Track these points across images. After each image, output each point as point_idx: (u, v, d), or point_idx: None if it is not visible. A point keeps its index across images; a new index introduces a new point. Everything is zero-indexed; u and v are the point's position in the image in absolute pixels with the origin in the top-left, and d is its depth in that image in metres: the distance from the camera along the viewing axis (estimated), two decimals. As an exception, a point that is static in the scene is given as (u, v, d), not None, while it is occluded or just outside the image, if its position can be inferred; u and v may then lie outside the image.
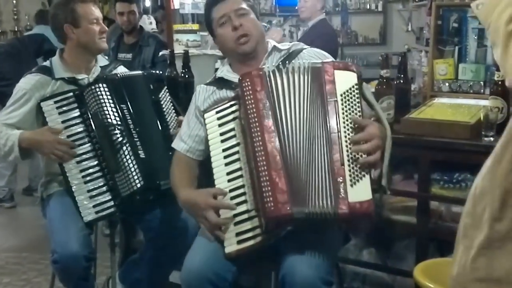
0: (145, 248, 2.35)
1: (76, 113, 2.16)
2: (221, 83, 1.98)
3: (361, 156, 1.63)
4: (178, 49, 3.21)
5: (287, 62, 1.84)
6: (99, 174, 2.15)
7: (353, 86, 1.70)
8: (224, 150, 1.80)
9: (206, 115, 1.85)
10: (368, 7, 7.36)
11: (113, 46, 4.11)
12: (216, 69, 2.94)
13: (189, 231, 2.21)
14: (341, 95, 1.69)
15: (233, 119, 1.80)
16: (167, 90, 2.33)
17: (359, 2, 7.37)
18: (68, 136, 2.15)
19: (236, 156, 1.77)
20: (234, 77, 1.92)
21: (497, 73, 2.11)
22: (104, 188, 2.14)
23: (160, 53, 3.68)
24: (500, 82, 2.09)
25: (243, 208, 1.73)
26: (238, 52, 1.92)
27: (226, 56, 2.07)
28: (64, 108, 2.16)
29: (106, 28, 2.35)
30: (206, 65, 3.11)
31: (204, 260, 1.74)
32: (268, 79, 1.73)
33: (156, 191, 2.14)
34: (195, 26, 3.54)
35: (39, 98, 2.19)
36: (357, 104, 1.68)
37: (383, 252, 2.46)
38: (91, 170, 2.15)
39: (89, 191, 2.13)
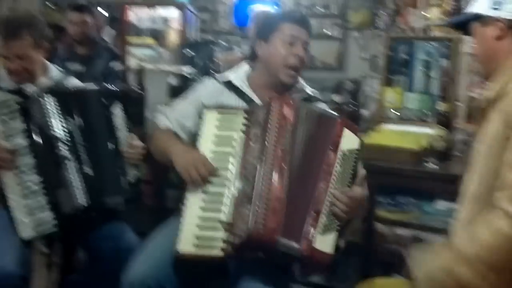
0: (85, 268, 2.31)
1: (19, 124, 2.09)
2: (231, 86, 1.99)
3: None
4: (132, 63, 3.24)
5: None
6: (39, 188, 2.07)
7: (354, 150, 1.77)
8: (213, 152, 1.80)
9: (207, 111, 1.84)
10: (327, 32, 7.58)
11: (62, 56, 4.00)
12: (171, 85, 3.00)
13: (133, 253, 2.21)
14: (342, 151, 1.74)
15: (237, 129, 1.79)
16: (119, 105, 2.29)
17: (318, 27, 7.59)
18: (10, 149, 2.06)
19: (224, 164, 1.77)
20: (248, 91, 1.96)
21: (441, 103, 2.27)
22: (45, 204, 2.06)
23: (111, 64, 3.64)
24: (444, 113, 2.25)
25: (214, 215, 1.73)
26: (279, 76, 1.93)
27: (259, 66, 2.03)
28: (5, 117, 2.09)
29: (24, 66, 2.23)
30: (159, 80, 3.14)
31: (149, 266, 1.74)
32: (295, 109, 1.76)
33: (100, 209, 2.12)
34: (151, 41, 3.58)
35: None
36: (351, 168, 1.75)
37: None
38: (31, 184, 2.07)
39: (28, 206, 2.05)
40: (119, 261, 2.14)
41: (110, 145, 2.21)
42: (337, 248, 1.72)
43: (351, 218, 1.76)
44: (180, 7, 3.66)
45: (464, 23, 1.62)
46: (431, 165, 2.14)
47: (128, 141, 2.18)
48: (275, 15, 2.07)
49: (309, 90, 2.04)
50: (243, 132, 1.77)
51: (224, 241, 1.68)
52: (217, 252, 1.69)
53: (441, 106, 2.27)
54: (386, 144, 2.23)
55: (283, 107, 1.75)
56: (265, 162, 1.68)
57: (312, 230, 1.65)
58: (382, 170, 2.17)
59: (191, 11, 3.85)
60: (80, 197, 2.05)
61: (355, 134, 1.79)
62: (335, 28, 7.50)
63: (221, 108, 1.86)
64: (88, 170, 2.10)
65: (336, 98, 2.39)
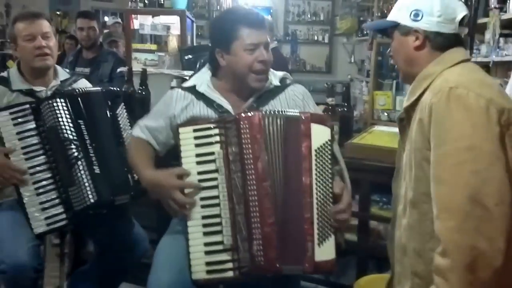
0: (95, 260, 2.29)
1: (32, 125, 2.07)
2: (199, 95, 1.87)
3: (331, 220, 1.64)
4: (136, 67, 3.20)
5: (270, 98, 1.84)
6: (52, 186, 2.05)
7: (326, 142, 1.67)
8: (199, 173, 1.69)
9: (181, 130, 1.73)
10: (316, 38, 7.61)
11: (71, 60, 4.05)
12: (172, 88, 2.96)
13: (139, 246, 2.18)
14: (316, 150, 1.65)
15: (214, 143, 1.69)
16: (124, 106, 2.27)
17: (308, 34, 7.61)
18: (22, 148, 2.05)
19: (213, 183, 1.68)
20: (216, 97, 1.85)
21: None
22: (57, 201, 2.05)
23: (118, 70, 3.65)
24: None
25: (217, 238, 1.66)
26: (248, 83, 1.81)
27: (223, 74, 1.89)
28: (20, 120, 2.06)
29: (45, 44, 2.19)
30: (162, 83, 3.11)
31: (170, 282, 1.66)
32: (263, 124, 1.66)
33: (109, 206, 2.09)
34: (153, 46, 3.55)
35: None
36: (329, 161, 1.66)
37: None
38: (44, 183, 2.05)
39: (41, 203, 2.04)
40: (126, 253, 2.17)
41: (116, 145, 2.18)
42: (339, 246, 1.68)
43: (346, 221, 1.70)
44: (180, 14, 3.62)
45: (384, 27, 1.61)
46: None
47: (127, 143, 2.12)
48: (230, 22, 1.82)
49: (276, 80, 1.91)
50: (221, 147, 1.68)
51: (230, 262, 1.64)
52: (230, 274, 1.65)
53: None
54: (378, 145, 2.21)
55: (251, 124, 1.65)
56: (249, 184, 1.62)
57: (310, 245, 1.61)
58: (376, 170, 2.15)
59: (189, 18, 3.81)
60: (90, 195, 2.02)
61: (324, 124, 1.69)
62: (324, 34, 7.53)
63: (194, 122, 1.76)
64: (96, 169, 2.07)
65: (331, 101, 2.33)
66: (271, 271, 1.62)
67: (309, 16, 7.64)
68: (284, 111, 1.72)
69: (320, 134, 1.67)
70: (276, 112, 1.71)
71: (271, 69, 1.91)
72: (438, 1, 1.45)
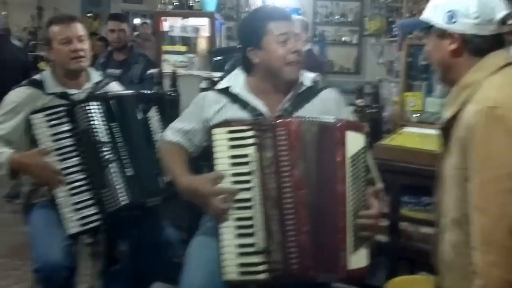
0: (127, 259, 2.31)
1: (66, 127, 2.09)
2: (232, 97, 1.86)
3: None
4: (166, 69, 3.25)
5: (304, 102, 1.83)
6: (85, 188, 2.07)
7: (361, 149, 1.65)
8: (234, 175, 1.68)
9: (215, 131, 1.71)
10: (344, 39, 7.57)
11: (103, 62, 4.11)
12: (202, 89, 2.99)
13: (171, 246, 2.20)
14: (350, 158, 1.63)
15: (249, 145, 1.67)
16: (155, 109, 2.29)
17: (336, 35, 7.58)
18: (57, 149, 2.08)
19: (246, 185, 1.66)
20: (250, 98, 1.84)
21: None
22: (90, 202, 2.06)
23: (148, 72, 3.70)
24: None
25: (249, 240, 1.65)
26: (283, 75, 1.81)
27: (257, 72, 1.87)
28: (54, 122, 2.09)
29: (80, 47, 2.24)
30: (192, 84, 3.14)
31: (203, 283, 1.67)
32: (300, 131, 1.64)
33: (140, 208, 2.12)
34: (183, 48, 3.59)
35: (29, 111, 2.12)
36: (363, 169, 1.64)
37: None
38: (77, 184, 2.07)
39: (74, 204, 2.05)
40: (157, 253, 2.18)
41: (148, 147, 2.19)
42: (371, 253, 1.66)
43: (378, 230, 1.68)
44: (209, 16, 3.65)
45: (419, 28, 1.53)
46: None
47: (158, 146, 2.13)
48: (257, 19, 1.84)
49: (308, 81, 1.90)
50: (255, 150, 1.66)
51: (263, 264, 1.63)
52: (262, 276, 1.64)
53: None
54: (408, 146, 2.19)
55: (289, 130, 1.63)
56: (284, 191, 1.61)
57: (343, 254, 1.60)
58: (406, 171, 2.13)
59: (218, 20, 3.84)
60: (122, 197, 2.05)
61: (358, 131, 1.67)
62: (352, 35, 7.48)
63: (228, 123, 1.75)
64: (128, 171, 2.10)
65: (360, 102, 2.33)
66: (304, 279, 1.62)
67: (337, 17, 7.61)
68: (319, 118, 1.70)
69: (355, 142, 1.65)
70: (312, 119, 1.69)
71: (303, 70, 1.90)
72: (475, 1, 1.34)
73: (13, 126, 2.18)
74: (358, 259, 1.61)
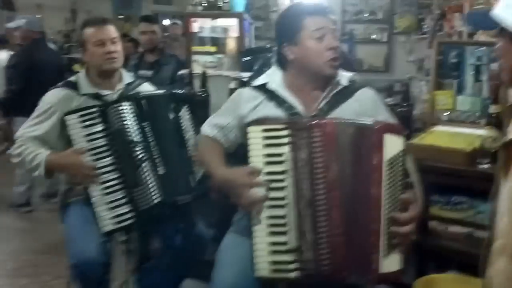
0: (160, 256, 2.35)
1: (100, 127, 2.13)
2: (268, 94, 1.85)
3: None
4: (196, 70, 3.29)
5: (340, 102, 1.80)
6: (119, 187, 2.12)
7: (399, 153, 1.60)
8: (267, 174, 1.67)
9: (251, 129, 1.70)
10: (373, 37, 7.51)
11: (134, 63, 4.17)
12: (231, 89, 3.02)
13: (203, 242, 2.24)
14: (387, 162, 1.58)
15: (284, 144, 1.65)
16: (186, 109, 2.31)
17: (365, 33, 7.52)
18: (91, 149, 2.12)
19: (280, 184, 1.65)
20: (286, 96, 1.83)
21: (492, 106, 2.18)
22: (123, 201, 2.11)
23: (179, 73, 3.75)
24: (494, 114, 2.16)
25: (281, 239, 1.65)
26: (321, 72, 1.78)
27: (293, 69, 1.85)
28: (88, 123, 2.13)
29: (114, 49, 2.30)
30: (221, 85, 3.18)
31: (235, 280, 1.68)
32: (335, 133, 1.61)
33: (172, 206, 2.15)
34: (212, 49, 3.63)
35: (64, 112, 2.16)
36: (400, 173, 1.60)
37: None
38: (111, 183, 2.12)
39: (108, 202, 2.10)
40: (189, 251, 2.22)
41: (179, 146, 2.23)
42: (404, 257, 1.63)
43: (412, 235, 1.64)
44: (238, 16, 3.67)
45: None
46: (483, 165, 2.05)
47: (195, 141, 2.16)
48: (293, 14, 1.80)
49: (345, 80, 1.87)
50: (290, 149, 1.64)
51: (297, 269, 1.64)
52: (293, 275, 1.64)
53: (492, 108, 2.17)
54: (439, 145, 2.17)
55: (324, 132, 1.61)
56: (317, 193, 1.60)
57: (375, 257, 1.58)
58: (436, 170, 2.11)
59: (247, 20, 3.86)
60: (155, 195, 2.09)
61: (397, 134, 1.61)
62: (382, 32, 7.41)
63: (263, 121, 1.72)
64: (160, 170, 2.14)
65: (390, 101, 2.31)
66: (335, 280, 1.62)
67: (366, 14, 7.55)
68: (356, 120, 1.68)
69: (392, 145, 1.59)
70: (348, 120, 1.67)
71: (340, 70, 1.87)
72: None
73: (49, 126, 2.24)
74: (391, 262, 1.59)
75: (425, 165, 2.12)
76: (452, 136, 2.33)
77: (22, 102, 3.85)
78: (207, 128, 1.95)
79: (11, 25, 4.99)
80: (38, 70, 4.39)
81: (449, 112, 2.60)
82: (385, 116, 1.85)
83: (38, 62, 4.48)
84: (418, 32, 6.60)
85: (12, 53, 4.83)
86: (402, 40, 7.21)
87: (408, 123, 2.43)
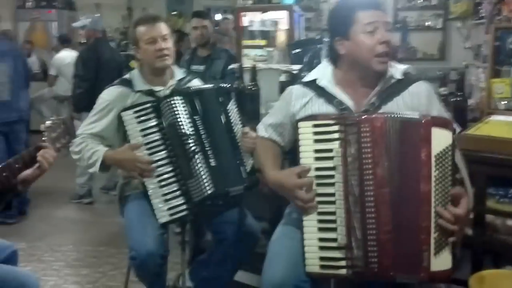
0: (213, 249, 2.39)
1: (154, 122, 2.19)
2: (319, 90, 1.85)
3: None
4: (246, 63, 3.30)
5: (392, 96, 1.78)
6: (173, 179, 2.17)
7: (448, 147, 1.57)
8: (317, 169, 1.68)
9: (301, 125, 1.72)
10: (427, 24, 7.28)
11: (188, 58, 4.25)
12: (282, 83, 3.02)
13: (254, 235, 2.26)
14: (435, 156, 1.57)
15: (334, 140, 1.66)
16: (234, 102, 2.33)
17: (419, 20, 7.31)
18: (146, 144, 2.18)
19: (330, 180, 1.66)
20: (336, 92, 1.82)
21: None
22: (178, 193, 2.16)
23: (230, 67, 3.78)
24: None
25: (331, 235, 1.66)
26: (372, 67, 1.75)
27: (344, 64, 1.84)
28: (143, 118, 2.19)
29: (165, 46, 2.33)
30: (271, 78, 3.17)
31: (285, 273, 1.68)
32: (384, 128, 1.61)
33: (225, 196, 2.18)
34: (262, 42, 3.63)
35: (120, 108, 2.24)
36: (449, 167, 1.57)
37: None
38: (166, 176, 2.17)
39: (164, 194, 2.16)
40: (240, 243, 2.25)
41: (229, 138, 2.25)
42: (454, 256, 1.60)
43: (462, 232, 1.61)
44: (288, 9, 3.65)
45: None
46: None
47: (244, 133, 2.19)
48: (345, 7, 1.78)
49: (399, 73, 1.83)
50: (340, 145, 1.65)
51: (346, 266, 1.64)
52: (343, 272, 1.65)
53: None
54: (496, 136, 2.09)
55: (373, 127, 1.60)
56: (366, 189, 1.60)
57: (426, 255, 1.56)
58: (492, 162, 2.04)
59: (297, 12, 3.83)
60: (207, 186, 2.12)
61: (445, 128, 1.59)
62: (437, 19, 7.18)
63: (314, 117, 1.73)
64: (212, 161, 2.17)
65: (443, 91, 2.25)
66: (385, 278, 1.61)
67: (420, 1, 7.33)
68: (404, 114, 1.66)
69: (441, 139, 1.57)
70: (397, 115, 1.65)
71: (393, 62, 1.84)
72: None
73: (107, 123, 2.32)
74: (442, 261, 1.57)
75: (480, 157, 2.06)
76: (510, 126, 2.24)
77: (90, 98, 4.00)
78: (261, 129, 1.99)
79: (77, 24, 5.21)
80: (103, 67, 4.59)
81: (506, 101, 2.50)
82: (439, 111, 1.81)
83: (103, 60, 4.68)
84: (475, 17, 6.33)
85: (74, 52, 5.04)
86: (458, 26, 6.95)
87: (463, 114, 2.35)
